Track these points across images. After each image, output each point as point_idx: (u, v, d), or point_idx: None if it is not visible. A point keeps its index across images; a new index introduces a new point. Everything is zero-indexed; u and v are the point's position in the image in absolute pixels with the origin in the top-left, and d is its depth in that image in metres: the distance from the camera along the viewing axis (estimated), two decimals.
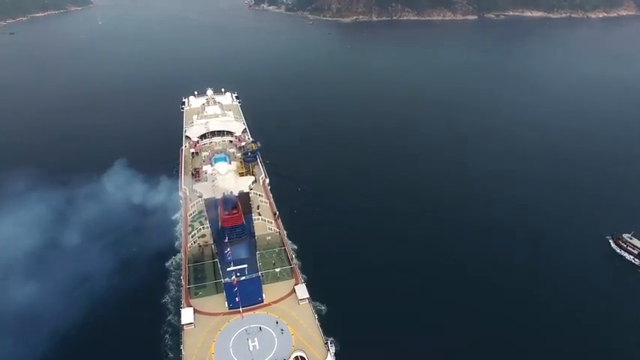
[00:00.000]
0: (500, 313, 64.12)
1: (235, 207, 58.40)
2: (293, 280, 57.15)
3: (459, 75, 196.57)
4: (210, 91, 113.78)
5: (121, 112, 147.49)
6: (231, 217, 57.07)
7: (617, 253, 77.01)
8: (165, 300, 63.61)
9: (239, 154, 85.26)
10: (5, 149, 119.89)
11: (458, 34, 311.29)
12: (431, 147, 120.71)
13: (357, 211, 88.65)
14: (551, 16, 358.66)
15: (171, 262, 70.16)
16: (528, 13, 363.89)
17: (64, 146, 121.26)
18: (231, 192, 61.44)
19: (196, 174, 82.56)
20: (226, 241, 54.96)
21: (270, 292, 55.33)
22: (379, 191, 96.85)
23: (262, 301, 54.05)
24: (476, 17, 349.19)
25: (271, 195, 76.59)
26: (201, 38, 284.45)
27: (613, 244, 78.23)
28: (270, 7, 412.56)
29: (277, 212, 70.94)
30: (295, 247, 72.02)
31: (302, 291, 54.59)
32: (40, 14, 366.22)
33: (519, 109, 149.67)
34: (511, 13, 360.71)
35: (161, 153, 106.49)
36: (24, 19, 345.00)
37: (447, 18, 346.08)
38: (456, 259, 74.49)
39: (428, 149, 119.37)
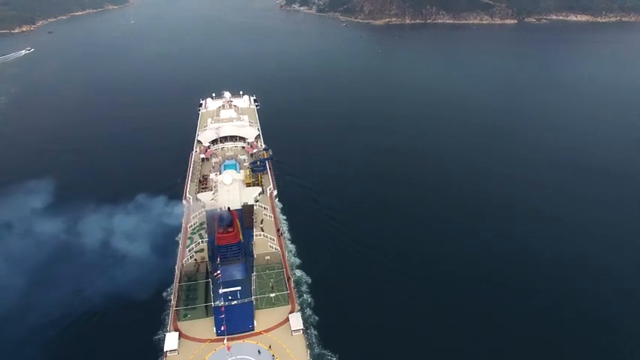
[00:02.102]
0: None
1: (231, 224, 54.35)
2: (289, 307, 52.46)
3: (489, 80, 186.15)
4: (227, 94, 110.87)
5: (135, 113, 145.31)
6: (226, 235, 53.03)
7: None
8: (158, 336, 54.75)
9: (246, 164, 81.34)
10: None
11: (495, 38, 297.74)
12: (478, 161, 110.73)
13: (375, 229, 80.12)
14: (598, 20, 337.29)
15: (169, 291, 61.36)
16: (573, 18, 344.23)
17: (63, 155, 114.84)
18: (228, 208, 57.35)
19: (204, 181, 79.18)
20: (218, 262, 50.77)
21: (263, 318, 50.86)
22: (410, 209, 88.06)
23: (253, 329, 49.74)
24: (515, 21, 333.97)
25: (278, 209, 72.35)
26: (229, 38, 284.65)
27: None
28: (302, 8, 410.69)
29: (281, 229, 66.56)
30: (299, 269, 66.82)
31: (296, 321, 49.82)
32: (79, 13, 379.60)
33: (561, 117, 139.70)
34: (554, 17, 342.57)
35: (175, 159, 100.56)
36: (64, 17, 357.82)
37: (484, 22, 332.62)
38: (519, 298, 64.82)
39: (475, 162, 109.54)
